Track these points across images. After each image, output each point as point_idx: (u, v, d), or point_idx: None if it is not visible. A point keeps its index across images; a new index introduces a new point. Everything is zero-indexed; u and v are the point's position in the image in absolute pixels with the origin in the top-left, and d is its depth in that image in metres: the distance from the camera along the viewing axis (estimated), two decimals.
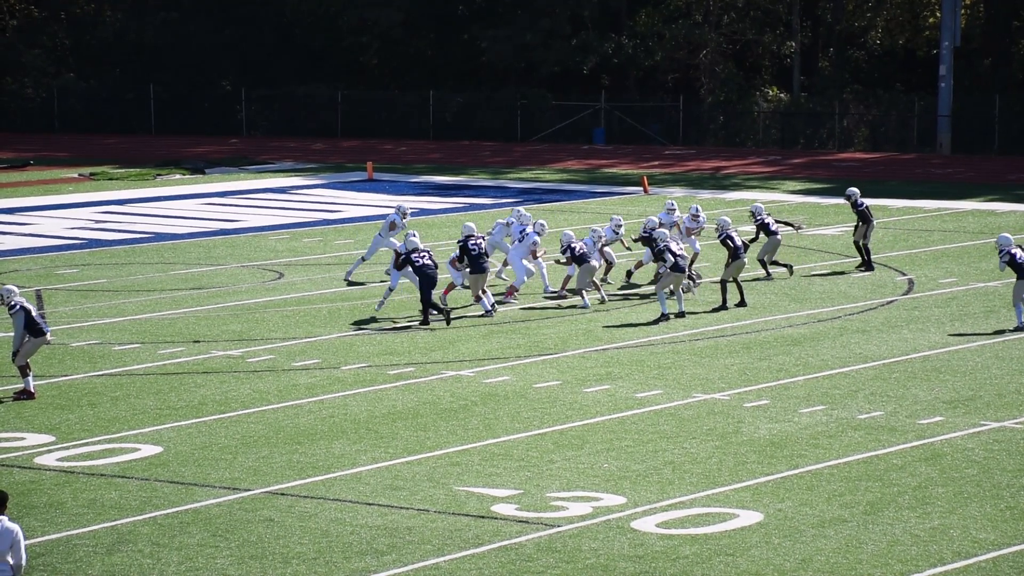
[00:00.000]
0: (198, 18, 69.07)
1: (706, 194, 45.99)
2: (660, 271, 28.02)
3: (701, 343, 25.06)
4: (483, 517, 16.47)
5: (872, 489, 17.26)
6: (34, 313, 21.90)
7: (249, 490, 17.49)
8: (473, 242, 27.47)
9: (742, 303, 27.79)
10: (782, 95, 63.09)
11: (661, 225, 29.55)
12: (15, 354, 21.69)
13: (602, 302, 28.28)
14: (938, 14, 60.56)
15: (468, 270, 27.48)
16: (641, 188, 46.78)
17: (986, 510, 16.55)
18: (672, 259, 26.94)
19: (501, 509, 16.71)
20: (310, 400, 21.62)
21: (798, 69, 64.41)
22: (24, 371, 21.67)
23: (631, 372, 23.04)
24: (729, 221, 28.44)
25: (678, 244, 27.75)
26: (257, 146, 62.73)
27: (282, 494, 17.34)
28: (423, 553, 15.46)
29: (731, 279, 27.96)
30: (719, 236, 28.29)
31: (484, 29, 65.90)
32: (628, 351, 24.55)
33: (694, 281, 28.64)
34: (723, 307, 27.63)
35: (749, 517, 16.32)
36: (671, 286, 27.03)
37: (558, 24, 64.54)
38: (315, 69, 69.08)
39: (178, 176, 52.40)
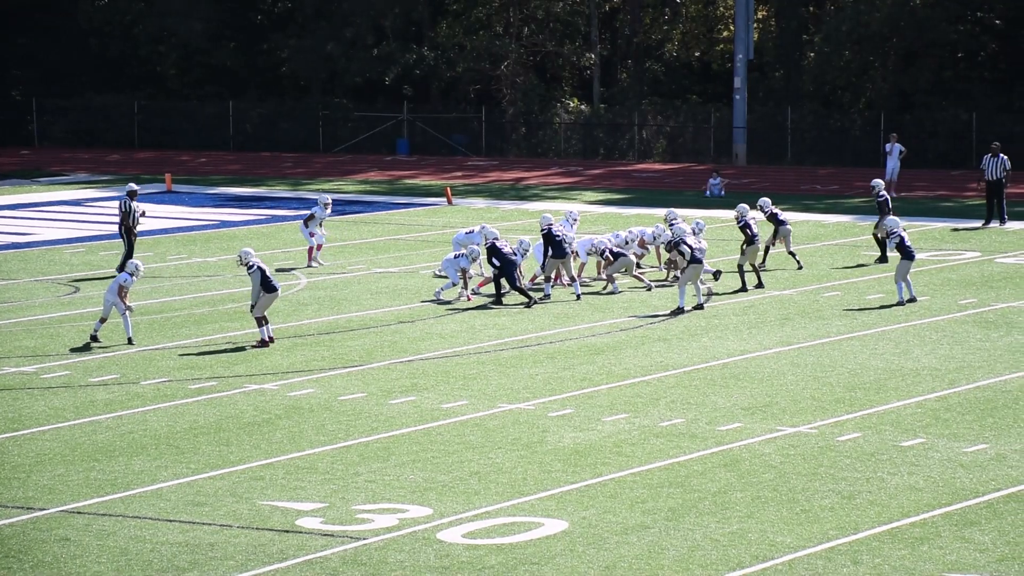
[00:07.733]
0: None
1: (508, 204, 46.27)
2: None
3: (506, 353, 25.18)
4: (287, 531, 16.31)
5: (673, 495, 17.52)
6: (268, 272, 25.38)
7: (44, 509, 17.05)
8: (555, 229, 29.71)
9: (759, 285, 30.54)
10: (583, 106, 63.79)
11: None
12: (252, 306, 25.43)
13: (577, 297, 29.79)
14: (732, 28, 61.88)
15: (550, 255, 29.75)
16: (445, 199, 46.90)
17: (782, 514, 16.92)
18: (689, 251, 28.25)
19: (306, 523, 16.56)
20: (108, 416, 21.17)
21: (598, 80, 65.21)
22: (260, 322, 25.34)
23: (437, 383, 23.04)
24: (747, 208, 30.82)
25: (696, 238, 29.02)
26: (49, 157, 61.30)
27: (79, 512, 16.95)
28: (226, 569, 15.25)
29: (748, 264, 30.66)
30: (739, 223, 30.63)
31: (285, 39, 65.38)
32: (433, 362, 24.55)
33: (715, 276, 31.03)
34: (743, 289, 30.24)
35: (554, 525, 16.44)
36: (692, 279, 28.37)
37: (360, 35, 64.32)
38: (112, 79, 67.74)
39: None
